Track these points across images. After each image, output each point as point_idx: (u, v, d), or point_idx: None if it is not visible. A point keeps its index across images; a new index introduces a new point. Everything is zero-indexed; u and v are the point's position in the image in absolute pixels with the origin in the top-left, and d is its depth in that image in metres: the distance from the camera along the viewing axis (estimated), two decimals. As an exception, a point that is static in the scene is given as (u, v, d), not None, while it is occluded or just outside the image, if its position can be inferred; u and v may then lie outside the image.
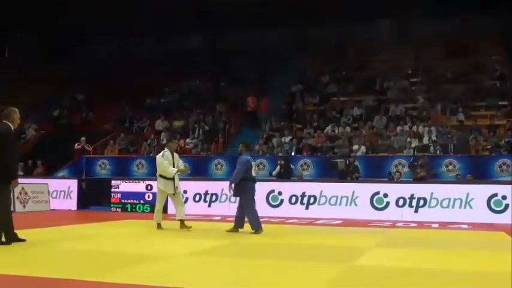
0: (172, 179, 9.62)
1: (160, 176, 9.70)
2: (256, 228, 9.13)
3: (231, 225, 9.43)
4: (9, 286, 4.72)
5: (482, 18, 21.24)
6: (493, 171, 15.53)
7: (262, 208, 13.39)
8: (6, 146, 7.16)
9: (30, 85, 25.54)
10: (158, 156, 9.91)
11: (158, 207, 9.83)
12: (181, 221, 9.70)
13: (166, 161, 9.67)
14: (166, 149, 9.97)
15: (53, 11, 25.63)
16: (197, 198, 14.44)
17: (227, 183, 9.56)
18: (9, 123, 7.27)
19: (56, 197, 15.73)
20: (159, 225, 9.73)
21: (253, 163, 9.52)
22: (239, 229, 9.29)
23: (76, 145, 18.75)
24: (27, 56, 27.90)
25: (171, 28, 24.71)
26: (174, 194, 9.75)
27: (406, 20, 21.72)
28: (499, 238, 9.28)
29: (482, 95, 19.81)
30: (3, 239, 7.12)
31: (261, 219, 9.35)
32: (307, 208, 13.76)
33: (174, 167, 9.67)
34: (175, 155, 10.06)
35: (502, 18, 21.08)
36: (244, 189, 9.22)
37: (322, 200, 13.72)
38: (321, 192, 13.74)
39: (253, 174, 9.42)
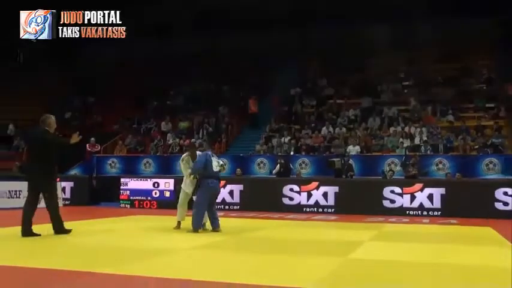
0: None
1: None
2: (194, 226, 8.31)
3: (232, 220, 9.38)
4: (24, 278, 4.77)
5: (471, 25, 21.26)
6: (480, 170, 15.62)
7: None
8: (51, 149, 7.67)
9: (43, 88, 25.54)
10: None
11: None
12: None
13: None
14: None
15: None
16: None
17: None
18: (47, 128, 7.72)
19: (68, 194, 15.78)
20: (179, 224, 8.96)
21: (213, 158, 8.51)
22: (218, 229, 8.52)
23: (88, 146, 18.64)
24: (39, 60, 27.80)
25: (176, 32, 24.71)
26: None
27: (399, 26, 21.76)
28: (485, 233, 9.32)
29: (470, 98, 19.87)
30: (66, 227, 7.69)
31: (262, 215, 9.25)
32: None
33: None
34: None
35: (490, 26, 21.14)
36: (201, 184, 8.39)
37: (319, 196, 13.74)
38: (318, 189, 13.76)
39: (215, 169, 8.43)
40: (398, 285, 4.55)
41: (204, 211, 8.41)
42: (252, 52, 23.76)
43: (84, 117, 23.71)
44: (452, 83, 20.79)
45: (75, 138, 7.87)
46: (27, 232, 7.35)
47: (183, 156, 9.25)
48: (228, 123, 21.25)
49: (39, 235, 7.42)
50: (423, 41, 22.09)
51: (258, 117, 21.20)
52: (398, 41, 22.09)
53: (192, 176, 8.64)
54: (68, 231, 7.75)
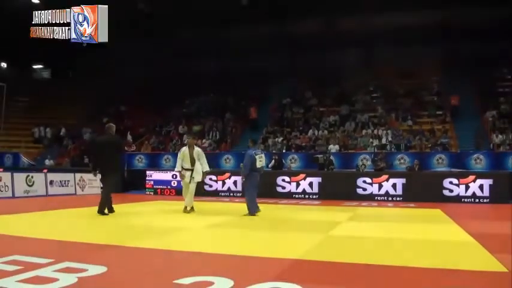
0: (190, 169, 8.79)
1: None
2: (251, 211, 8.18)
3: (236, 204, 9.30)
4: (43, 248, 4.72)
5: (425, 49, 21.37)
6: (432, 164, 15.62)
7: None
8: (116, 150, 7.87)
9: (84, 99, 25.46)
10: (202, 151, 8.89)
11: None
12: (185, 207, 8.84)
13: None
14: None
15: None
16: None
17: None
18: (112, 134, 7.99)
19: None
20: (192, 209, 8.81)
21: (257, 156, 8.28)
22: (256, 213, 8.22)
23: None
24: (82, 77, 27.67)
25: (193, 56, 24.67)
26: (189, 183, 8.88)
27: (369, 49, 21.82)
28: (435, 214, 9.29)
29: (424, 107, 19.90)
30: (106, 211, 7.82)
31: (260, 200, 9.12)
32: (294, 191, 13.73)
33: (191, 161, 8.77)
34: (196, 149, 8.87)
35: (439, 50, 21.23)
36: (248, 177, 8.34)
37: (306, 185, 13.66)
38: (305, 179, 13.69)
39: (258, 166, 8.26)
40: (369, 255, 4.51)
41: (255, 196, 8.32)
42: (252, 71, 23.71)
43: (117, 122, 23.54)
44: (411, 95, 20.78)
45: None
46: (109, 210, 7.87)
47: (183, 149, 8.97)
48: (233, 127, 21.18)
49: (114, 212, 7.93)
50: (388, 61, 22.08)
51: (257, 122, 21.15)
52: (368, 62, 22.14)
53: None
54: (106, 214, 7.81)
